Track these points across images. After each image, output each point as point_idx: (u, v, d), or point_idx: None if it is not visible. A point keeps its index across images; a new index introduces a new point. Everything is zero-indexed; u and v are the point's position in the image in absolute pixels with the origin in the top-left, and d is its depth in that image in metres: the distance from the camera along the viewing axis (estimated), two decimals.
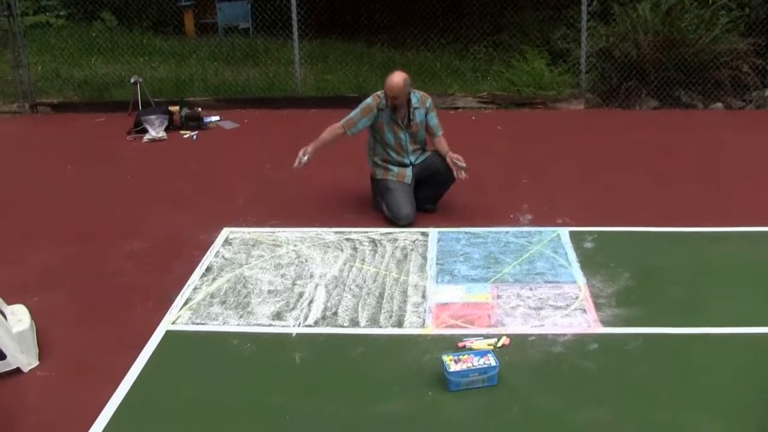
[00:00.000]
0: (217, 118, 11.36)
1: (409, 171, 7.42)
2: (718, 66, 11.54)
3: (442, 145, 7.45)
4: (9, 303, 5.48)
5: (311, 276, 6.27)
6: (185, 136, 10.66)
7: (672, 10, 11.72)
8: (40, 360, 5.18)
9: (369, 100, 7.39)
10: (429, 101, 7.47)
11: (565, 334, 5.33)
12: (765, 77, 11.75)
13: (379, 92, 7.37)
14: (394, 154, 7.41)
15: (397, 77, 7.19)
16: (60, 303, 6.01)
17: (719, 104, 11.64)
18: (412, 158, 7.46)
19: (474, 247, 6.75)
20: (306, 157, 7.22)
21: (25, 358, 5.10)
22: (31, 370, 5.10)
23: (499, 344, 5.18)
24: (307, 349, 5.26)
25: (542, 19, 14.40)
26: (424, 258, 6.55)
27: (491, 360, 4.80)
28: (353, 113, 7.40)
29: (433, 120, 7.48)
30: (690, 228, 7.07)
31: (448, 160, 7.22)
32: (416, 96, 7.39)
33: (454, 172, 7.20)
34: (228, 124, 11.21)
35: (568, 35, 12.69)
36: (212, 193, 8.37)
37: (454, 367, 4.74)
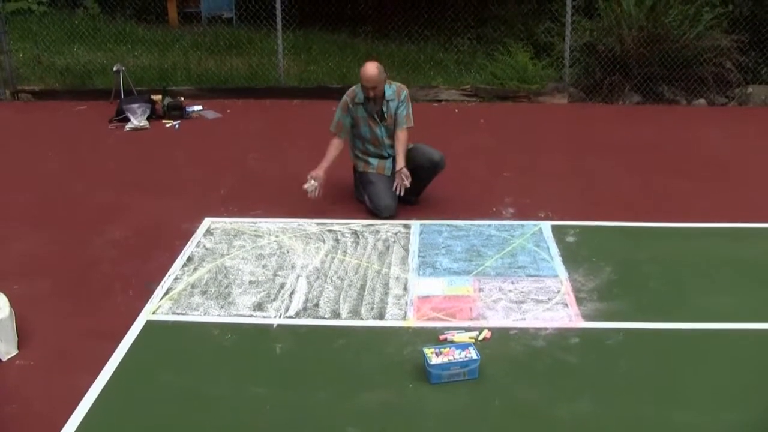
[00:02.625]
0: (199, 107, 11.31)
1: (389, 163, 7.40)
2: (701, 62, 11.56)
3: (400, 141, 7.30)
4: None
5: (293, 267, 6.26)
6: (167, 126, 10.62)
7: (656, 5, 11.72)
8: (19, 349, 5.15)
9: (345, 97, 7.39)
10: (404, 93, 7.41)
11: (546, 328, 5.33)
12: (748, 74, 11.80)
13: (353, 87, 7.35)
14: (371, 147, 7.41)
15: (371, 67, 7.20)
16: (40, 291, 5.97)
17: (702, 100, 11.67)
18: (390, 151, 7.43)
19: (456, 239, 6.75)
20: (314, 182, 7.17)
21: (3, 347, 5.07)
22: (10, 358, 5.06)
23: (481, 337, 5.18)
24: (288, 340, 5.25)
25: (526, 12, 14.40)
26: (406, 250, 6.55)
27: (473, 353, 4.80)
28: (336, 116, 7.40)
29: (403, 112, 7.37)
30: (672, 223, 7.09)
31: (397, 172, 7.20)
32: (391, 88, 7.36)
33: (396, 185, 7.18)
34: (210, 114, 11.17)
35: (552, 29, 12.69)
36: (194, 182, 8.33)
37: (435, 360, 4.74)
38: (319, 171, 7.25)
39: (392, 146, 7.42)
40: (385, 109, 7.30)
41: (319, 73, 12.94)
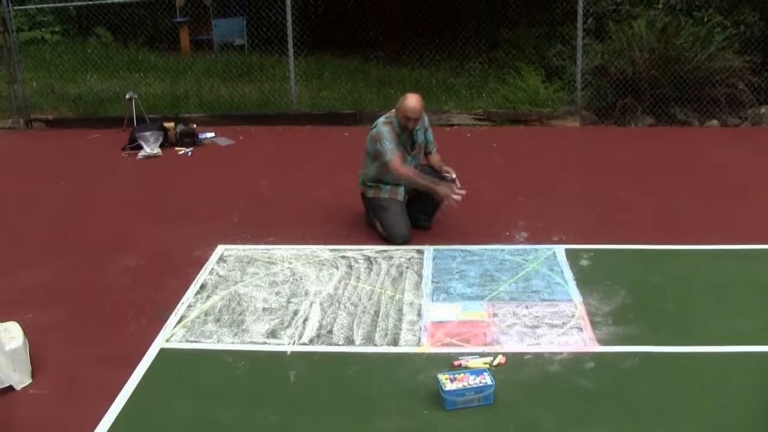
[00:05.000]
0: (212, 134, 11.35)
1: (401, 189, 7.36)
2: (713, 83, 11.56)
3: (437, 160, 7.42)
4: (2, 320, 5.43)
5: (306, 294, 6.24)
6: (180, 153, 10.65)
7: (667, 27, 11.74)
8: (33, 377, 5.14)
9: (386, 128, 7.14)
10: (425, 119, 7.42)
11: (561, 353, 5.30)
12: (760, 94, 11.77)
13: (384, 119, 7.22)
14: (391, 177, 7.31)
15: (416, 100, 7.08)
16: (54, 319, 5.97)
17: (715, 121, 11.65)
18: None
19: (469, 264, 6.73)
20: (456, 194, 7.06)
21: (17, 376, 5.06)
22: (23, 388, 5.05)
23: (495, 363, 5.15)
24: (302, 367, 5.22)
25: (537, 35, 14.45)
26: (420, 276, 6.53)
27: (487, 379, 4.77)
28: (389, 146, 7.08)
29: (431, 137, 7.45)
30: (687, 245, 7.06)
31: (443, 171, 7.17)
32: None
33: (452, 193, 7.09)
34: (223, 141, 11.20)
35: (564, 52, 12.71)
36: (207, 209, 8.34)
37: (449, 386, 4.71)
38: (442, 187, 7.09)
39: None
40: (415, 138, 7.28)
41: (331, 98, 12.97)
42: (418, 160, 7.40)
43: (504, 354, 5.25)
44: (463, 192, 7.08)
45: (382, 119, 7.26)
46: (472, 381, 4.75)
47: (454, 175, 7.13)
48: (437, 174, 7.27)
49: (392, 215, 7.23)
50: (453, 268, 6.68)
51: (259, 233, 7.54)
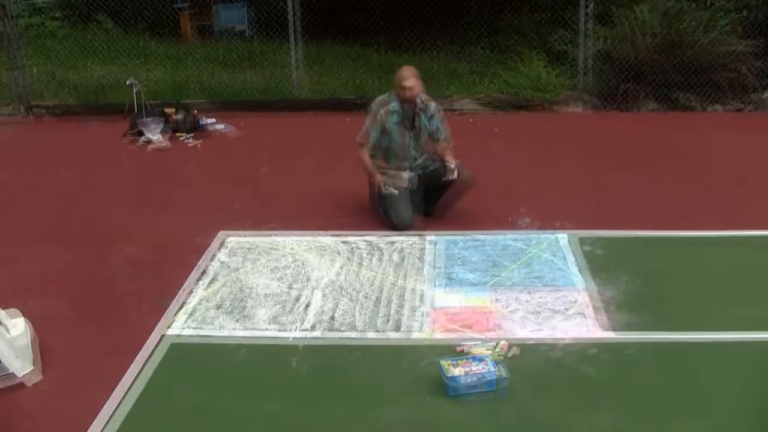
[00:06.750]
0: (213, 121, 11.30)
1: (406, 174, 7.31)
2: (716, 68, 11.50)
3: (441, 148, 7.33)
4: (4, 307, 5.41)
5: (308, 280, 6.22)
6: (181, 139, 10.62)
7: (670, 11, 11.69)
8: (34, 365, 5.12)
9: (375, 107, 7.27)
10: (433, 106, 7.37)
11: (564, 339, 5.28)
12: (764, 79, 11.72)
13: (382, 97, 7.25)
14: (394, 160, 7.30)
15: (407, 69, 7.20)
16: (55, 308, 5.95)
17: (718, 106, 11.61)
18: (413, 163, 7.36)
19: (472, 250, 6.71)
20: (390, 186, 7.13)
21: (19, 363, 5.04)
22: (25, 375, 5.04)
23: (498, 349, 5.13)
24: (304, 353, 5.21)
25: (540, 21, 14.36)
26: (422, 262, 6.50)
27: (490, 365, 4.75)
28: (365, 126, 7.26)
29: (437, 124, 7.38)
30: (690, 232, 7.03)
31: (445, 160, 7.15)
32: (420, 99, 7.30)
33: (447, 175, 7.11)
34: (224, 127, 11.16)
35: (566, 37, 12.65)
36: (208, 196, 8.32)
37: (452, 372, 4.69)
38: (378, 177, 7.20)
39: (416, 158, 7.35)
40: (416, 117, 7.25)
41: (333, 84, 12.93)
42: (421, 142, 7.38)
43: (507, 340, 5.22)
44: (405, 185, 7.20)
45: (378, 99, 7.28)
46: (475, 367, 4.73)
47: (452, 165, 7.09)
48: (440, 161, 7.24)
49: (396, 202, 7.19)
50: (456, 254, 6.65)
51: (261, 219, 7.52)
